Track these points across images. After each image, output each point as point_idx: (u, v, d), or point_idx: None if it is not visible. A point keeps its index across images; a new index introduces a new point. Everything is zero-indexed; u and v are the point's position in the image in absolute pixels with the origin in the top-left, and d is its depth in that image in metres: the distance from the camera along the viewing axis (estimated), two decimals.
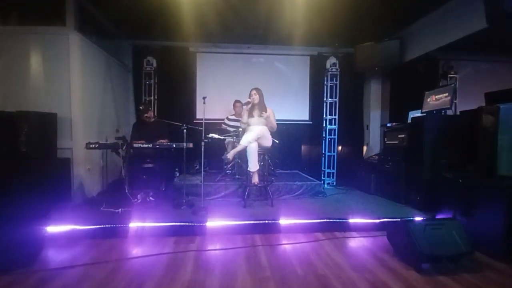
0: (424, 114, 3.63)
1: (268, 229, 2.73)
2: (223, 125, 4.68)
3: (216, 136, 4.05)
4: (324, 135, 5.23)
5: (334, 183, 5.07)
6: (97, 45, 3.90)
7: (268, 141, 3.49)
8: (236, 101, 4.68)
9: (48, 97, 3.31)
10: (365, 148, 5.43)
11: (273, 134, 3.62)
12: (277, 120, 3.65)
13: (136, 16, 3.95)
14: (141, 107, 3.78)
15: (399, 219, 2.76)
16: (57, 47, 3.35)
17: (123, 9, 3.74)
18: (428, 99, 3.68)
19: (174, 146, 3.25)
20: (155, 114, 4.78)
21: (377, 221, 2.85)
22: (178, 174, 4.12)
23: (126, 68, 5.00)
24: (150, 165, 3.45)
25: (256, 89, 3.55)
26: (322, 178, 5.11)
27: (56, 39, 3.35)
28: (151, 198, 3.31)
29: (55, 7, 3.37)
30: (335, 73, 5.10)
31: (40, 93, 3.31)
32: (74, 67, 3.39)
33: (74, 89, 3.40)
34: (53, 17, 3.40)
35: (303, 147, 5.57)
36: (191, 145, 3.24)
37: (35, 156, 2.90)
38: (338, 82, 5.12)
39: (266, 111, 3.48)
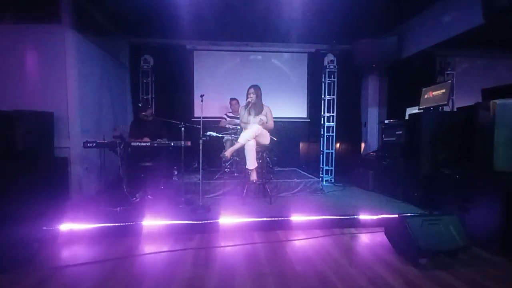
0: (422, 111, 3.64)
1: (266, 227, 2.74)
2: (223, 122, 4.66)
3: (214, 134, 4.04)
4: (322, 133, 5.25)
5: (333, 180, 5.09)
6: (93, 43, 3.87)
7: (266, 139, 3.49)
8: (232, 99, 4.67)
9: (44, 96, 3.28)
10: (363, 145, 5.44)
11: (271, 132, 3.61)
12: (275, 118, 3.64)
13: (133, 13, 3.92)
14: (139, 105, 3.76)
15: (396, 215, 2.77)
16: (53, 45, 3.31)
17: (119, 6, 3.72)
18: (425, 96, 3.69)
19: (172, 144, 3.24)
20: (153, 113, 4.78)
21: (375, 217, 2.86)
22: (176, 173, 4.11)
23: (123, 66, 4.97)
24: (148, 164, 3.44)
25: (254, 86, 3.45)
26: (321, 175, 5.13)
27: (52, 38, 3.32)
28: (149, 196, 3.31)
29: (50, 5, 3.33)
30: (333, 70, 5.11)
31: (37, 92, 3.27)
32: (71, 66, 3.36)
33: (71, 87, 3.37)
34: (48, 15, 3.36)
35: (301, 145, 5.57)
36: (189, 143, 3.23)
37: (32, 155, 2.87)
38: (336, 79, 5.12)
39: (262, 110, 3.48)
